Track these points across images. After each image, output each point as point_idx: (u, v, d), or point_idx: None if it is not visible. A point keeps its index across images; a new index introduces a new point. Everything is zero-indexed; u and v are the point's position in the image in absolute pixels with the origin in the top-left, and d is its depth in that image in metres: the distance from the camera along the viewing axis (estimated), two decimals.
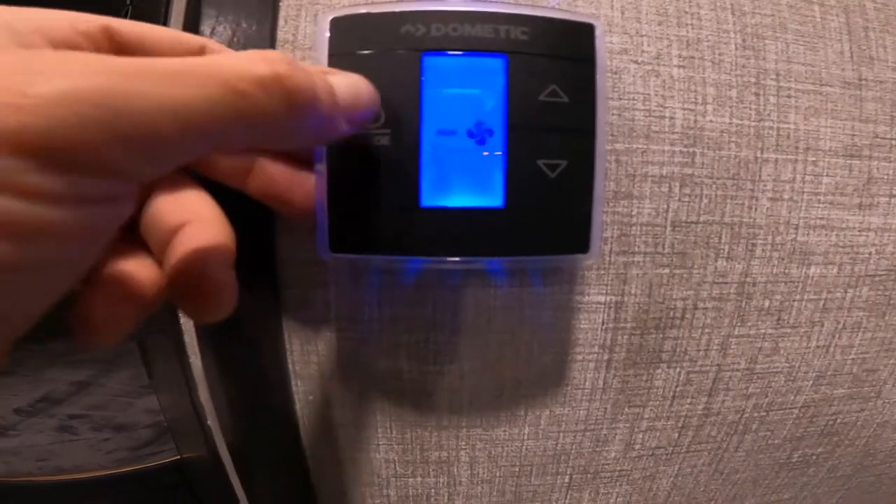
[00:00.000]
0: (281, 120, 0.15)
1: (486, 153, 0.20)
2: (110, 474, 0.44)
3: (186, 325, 0.28)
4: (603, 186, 0.21)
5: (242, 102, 0.14)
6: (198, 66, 0.14)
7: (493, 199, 0.21)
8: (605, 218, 0.25)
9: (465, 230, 0.21)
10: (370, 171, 0.20)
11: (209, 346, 0.26)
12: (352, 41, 0.19)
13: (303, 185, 0.21)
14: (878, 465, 0.36)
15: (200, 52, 0.18)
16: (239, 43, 0.23)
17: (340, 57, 0.19)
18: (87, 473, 0.44)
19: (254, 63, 0.14)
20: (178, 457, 0.42)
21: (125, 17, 0.30)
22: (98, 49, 0.16)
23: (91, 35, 0.16)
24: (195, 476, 0.40)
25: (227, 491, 0.35)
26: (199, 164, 0.20)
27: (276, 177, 0.20)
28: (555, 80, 0.20)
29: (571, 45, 0.20)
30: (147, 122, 0.12)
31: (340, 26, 0.19)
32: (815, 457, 0.33)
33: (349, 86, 0.17)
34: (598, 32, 0.20)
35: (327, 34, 0.19)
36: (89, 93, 0.12)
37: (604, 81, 0.20)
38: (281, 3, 0.23)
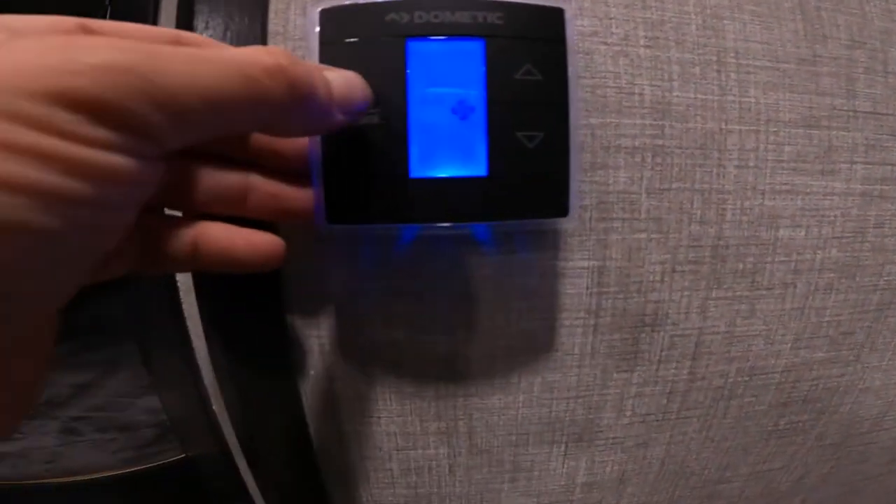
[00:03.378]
0: (284, 106, 0.18)
1: (469, 127, 0.22)
2: (120, 474, 0.44)
3: (189, 311, 0.30)
4: (579, 155, 0.23)
5: (253, 87, 0.16)
6: (215, 55, 0.16)
7: (477, 168, 0.22)
8: (583, 187, 0.27)
9: (453, 198, 0.22)
10: (362, 147, 0.22)
11: (213, 327, 0.28)
12: (340, 30, 0.21)
13: (297, 196, 0.23)
14: (865, 434, 0.37)
15: (176, 42, 0.20)
16: (231, 36, 0.25)
17: (330, 45, 0.21)
18: (96, 474, 0.45)
19: (259, 54, 0.17)
20: (184, 455, 0.43)
21: (104, 17, 0.32)
22: None
23: (71, 33, 0.18)
24: (203, 468, 0.41)
25: (233, 476, 0.36)
26: (205, 204, 0.22)
27: (273, 192, 0.23)
28: (529, 59, 0.22)
29: (543, 28, 0.22)
30: (178, 94, 0.15)
31: (329, 17, 0.21)
32: (801, 424, 0.34)
33: (344, 80, 0.20)
34: (567, 16, 0.22)
35: (317, 25, 0.21)
36: (131, 65, 0.14)
37: (574, 59, 0.23)
38: None
